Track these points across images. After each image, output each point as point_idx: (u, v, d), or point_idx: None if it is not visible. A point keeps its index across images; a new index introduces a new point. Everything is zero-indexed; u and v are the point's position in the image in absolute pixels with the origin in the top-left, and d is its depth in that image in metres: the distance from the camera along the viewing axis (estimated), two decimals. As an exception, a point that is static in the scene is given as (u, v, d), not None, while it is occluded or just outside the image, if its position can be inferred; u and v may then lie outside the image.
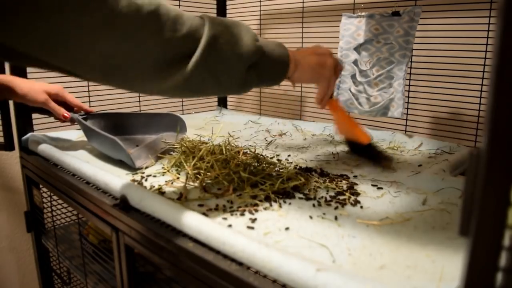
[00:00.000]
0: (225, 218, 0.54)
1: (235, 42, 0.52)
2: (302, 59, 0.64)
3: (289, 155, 0.86)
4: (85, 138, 0.89)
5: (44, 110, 0.89)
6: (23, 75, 0.91)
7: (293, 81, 0.66)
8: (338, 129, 0.80)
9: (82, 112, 0.91)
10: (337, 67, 0.70)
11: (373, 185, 0.67)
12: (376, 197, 0.62)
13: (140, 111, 1.28)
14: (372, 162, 0.79)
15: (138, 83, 0.49)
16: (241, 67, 0.54)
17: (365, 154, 0.82)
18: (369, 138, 0.78)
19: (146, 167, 0.77)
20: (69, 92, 0.92)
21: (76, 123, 0.89)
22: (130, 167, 0.76)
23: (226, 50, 0.51)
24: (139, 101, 1.28)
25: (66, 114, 0.86)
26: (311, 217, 0.54)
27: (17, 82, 0.84)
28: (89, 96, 1.14)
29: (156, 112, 1.08)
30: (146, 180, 0.69)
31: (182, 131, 0.95)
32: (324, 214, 0.55)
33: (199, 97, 0.53)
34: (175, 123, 0.94)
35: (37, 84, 0.85)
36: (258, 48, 0.55)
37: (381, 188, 0.66)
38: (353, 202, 0.60)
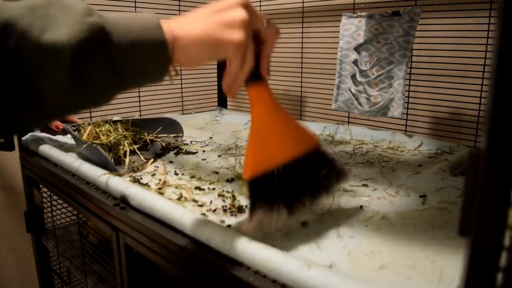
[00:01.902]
0: (222, 221, 0.54)
1: (46, 25, 0.34)
2: (188, 26, 0.40)
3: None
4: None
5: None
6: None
7: (182, 63, 0.42)
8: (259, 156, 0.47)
9: (75, 123, 0.90)
10: (268, 27, 0.44)
11: (372, 185, 0.67)
12: (376, 197, 0.62)
13: (140, 114, 1.28)
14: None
15: None
16: (66, 64, 0.34)
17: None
18: (318, 142, 0.51)
19: (135, 172, 0.75)
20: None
21: (68, 134, 0.88)
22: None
23: (31, 39, 0.33)
24: (139, 105, 1.28)
25: (59, 125, 0.86)
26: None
27: None
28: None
29: (154, 117, 1.06)
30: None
31: (179, 134, 0.95)
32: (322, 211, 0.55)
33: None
34: (171, 126, 0.94)
35: None
36: (92, 28, 0.35)
37: (381, 188, 0.66)
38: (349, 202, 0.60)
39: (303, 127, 0.50)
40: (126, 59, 0.37)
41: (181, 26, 0.40)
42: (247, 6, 0.41)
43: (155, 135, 0.90)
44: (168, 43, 0.39)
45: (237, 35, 0.40)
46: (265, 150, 0.46)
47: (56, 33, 0.34)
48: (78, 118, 0.92)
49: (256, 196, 0.46)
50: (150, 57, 0.39)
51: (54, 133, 0.88)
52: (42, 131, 0.91)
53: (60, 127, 0.85)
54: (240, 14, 0.40)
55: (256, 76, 0.46)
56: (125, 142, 0.79)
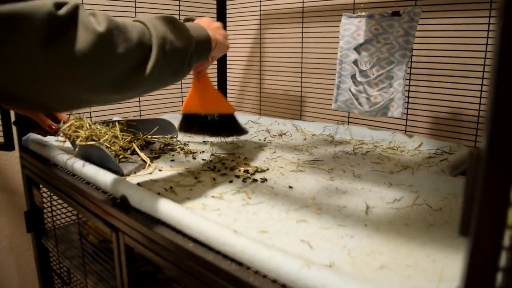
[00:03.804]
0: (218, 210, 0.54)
1: (176, 39, 0.56)
2: (218, 35, 0.69)
3: (292, 157, 0.86)
4: None
5: (29, 122, 0.85)
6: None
7: (212, 57, 0.72)
8: (192, 103, 0.84)
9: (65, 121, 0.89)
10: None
11: (372, 185, 0.67)
12: (376, 197, 0.62)
13: (140, 114, 1.28)
14: (227, 133, 0.89)
15: (102, 99, 0.53)
16: (186, 59, 0.59)
17: (223, 125, 0.87)
18: (234, 110, 0.88)
19: (135, 173, 0.75)
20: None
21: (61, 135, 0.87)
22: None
23: (173, 49, 0.55)
24: (139, 105, 1.28)
25: (53, 125, 0.85)
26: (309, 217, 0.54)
27: None
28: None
29: (147, 118, 1.06)
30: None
31: (172, 132, 0.95)
32: (320, 209, 0.55)
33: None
34: (165, 127, 0.94)
35: None
36: (192, 39, 0.60)
37: (381, 187, 0.66)
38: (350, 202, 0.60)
39: (226, 100, 0.88)
40: (199, 54, 0.64)
41: (214, 33, 0.68)
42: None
43: (151, 136, 0.90)
44: (212, 44, 0.67)
45: (228, 44, 0.75)
46: (199, 100, 0.83)
47: (182, 43, 0.57)
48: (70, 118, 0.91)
49: (186, 123, 0.86)
50: (206, 53, 0.66)
51: (45, 134, 0.85)
52: (32, 132, 0.89)
53: (53, 127, 0.84)
54: (226, 32, 0.74)
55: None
56: (133, 140, 0.81)
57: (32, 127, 0.87)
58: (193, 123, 0.86)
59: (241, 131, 0.92)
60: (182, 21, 0.65)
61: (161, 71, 0.54)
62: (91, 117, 1.16)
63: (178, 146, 0.92)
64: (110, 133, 0.80)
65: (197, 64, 0.66)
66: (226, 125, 0.88)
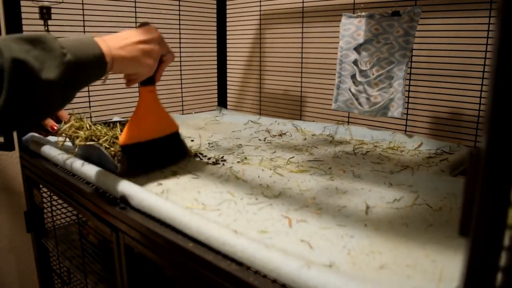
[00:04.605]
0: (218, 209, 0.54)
1: (41, 68, 0.48)
2: (122, 50, 0.59)
3: (292, 157, 0.86)
4: None
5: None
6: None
7: (114, 72, 0.62)
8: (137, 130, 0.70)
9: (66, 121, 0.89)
10: (168, 54, 0.67)
11: (372, 185, 0.67)
12: (376, 197, 0.62)
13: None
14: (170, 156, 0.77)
15: None
16: (57, 91, 0.51)
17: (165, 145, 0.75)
18: (177, 127, 0.78)
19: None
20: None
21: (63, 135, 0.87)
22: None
23: (34, 80, 0.47)
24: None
25: (55, 126, 0.85)
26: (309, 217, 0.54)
27: None
28: (89, 101, 1.14)
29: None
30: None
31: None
32: (321, 209, 0.55)
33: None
34: None
35: None
36: (69, 65, 0.51)
37: (381, 188, 0.66)
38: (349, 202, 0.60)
39: (170, 117, 0.78)
40: (84, 79, 0.56)
41: (121, 49, 0.60)
42: (161, 41, 0.66)
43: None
44: (107, 64, 0.57)
45: (151, 62, 0.64)
46: (138, 127, 0.70)
47: (49, 74, 0.49)
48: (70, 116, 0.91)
49: (126, 156, 0.69)
50: (96, 75, 0.57)
51: (46, 134, 0.87)
52: (35, 132, 0.91)
53: (55, 127, 0.84)
54: (156, 49, 0.64)
55: (151, 81, 0.71)
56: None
57: (34, 127, 0.88)
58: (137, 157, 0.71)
59: (184, 150, 0.80)
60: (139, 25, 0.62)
61: (15, 107, 0.46)
62: (91, 117, 1.16)
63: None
64: (110, 133, 0.80)
65: (86, 85, 0.57)
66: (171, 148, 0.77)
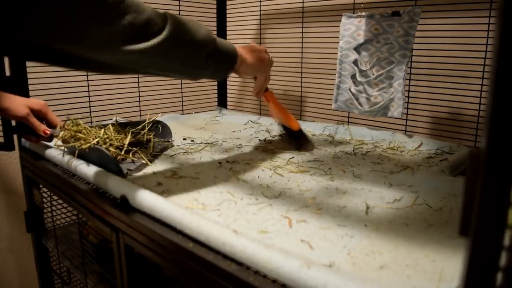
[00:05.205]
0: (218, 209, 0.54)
1: (195, 32, 0.61)
2: (246, 54, 0.73)
3: (292, 157, 0.86)
4: None
5: (26, 128, 0.84)
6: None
7: (239, 73, 0.74)
8: (274, 116, 0.95)
9: (58, 127, 0.85)
10: (271, 63, 0.81)
11: (372, 185, 0.67)
12: (376, 197, 0.62)
13: (140, 114, 1.28)
14: (298, 145, 0.93)
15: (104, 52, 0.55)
16: (201, 52, 0.62)
17: (295, 137, 0.94)
18: (298, 125, 0.94)
19: (130, 170, 0.75)
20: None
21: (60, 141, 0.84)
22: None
23: (187, 38, 0.59)
24: (139, 105, 1.28)
25: (47, 130, 0.83)
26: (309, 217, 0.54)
27: None
28: (89, 102, 1.14)
29: (140, 120, 1.04)
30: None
31: (167, 136, 0.95)
32: (321, 209, 0.55)
33: (161, 74, 0.64)
34: (160, 130, 0.94)
35: (19, 98, 0.81)
36: (213, 40, 0.63)
37: (381, 188, 0.66)
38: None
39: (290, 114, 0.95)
40: (221, 60, 0.67)
41: (244, 53, 0.73)
42: (267, 52, 0.80)
43: (149, 137, 0.89)
44: (238, 58, 0.70)
45: (266, 68, 0.80)
46: (287, 118, 0.93)
47: (199, 37, 0.61)
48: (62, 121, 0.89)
49: (300, 136, 0.94)
50: (230, 63, 0.69)
51: (37, 139, 0.84)
52: (24, 138, 0.87)
53: (48, 132, 0.82)
54: (267, 57, 0.79)
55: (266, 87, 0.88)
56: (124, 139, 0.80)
57: (23, 132, 0.84)
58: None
59: (309, 142, 0.97)
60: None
61: (170, 47, 0.57)
62: (91, 117, 1.16)
63: (177, 145, 0.92)
64: (104, 135, 0.79)
65: (223, 72, 0.69)
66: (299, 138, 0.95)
